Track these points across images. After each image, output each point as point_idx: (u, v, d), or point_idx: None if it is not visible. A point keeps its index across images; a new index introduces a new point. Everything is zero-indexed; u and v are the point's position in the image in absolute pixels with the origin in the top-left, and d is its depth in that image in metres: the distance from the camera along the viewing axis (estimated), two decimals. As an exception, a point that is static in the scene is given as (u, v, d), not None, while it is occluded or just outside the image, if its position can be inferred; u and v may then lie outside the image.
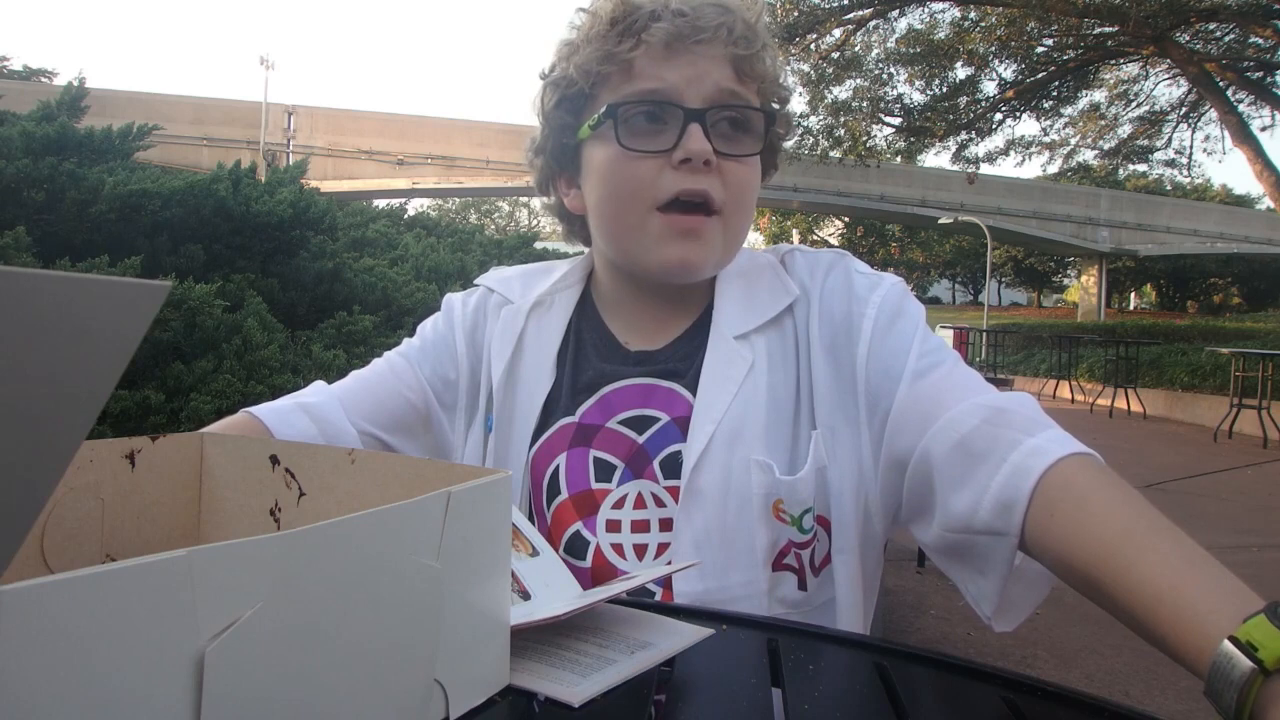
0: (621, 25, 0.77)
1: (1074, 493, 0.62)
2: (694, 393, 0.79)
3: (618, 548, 0.77)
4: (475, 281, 0.94)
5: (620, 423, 0.81)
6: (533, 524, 0.81)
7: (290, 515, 0.57)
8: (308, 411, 0.81)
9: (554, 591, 0.62)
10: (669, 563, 0.76)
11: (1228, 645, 0.46)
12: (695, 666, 0.53)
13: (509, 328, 0.87)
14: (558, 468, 0.81)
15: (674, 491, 0.77)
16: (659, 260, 0.78)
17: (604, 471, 0.80)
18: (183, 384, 2.31)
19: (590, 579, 0.77)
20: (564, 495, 0.80)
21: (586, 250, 0.92)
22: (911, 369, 0.74)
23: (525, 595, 0.60)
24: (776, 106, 0.84)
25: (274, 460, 0.57)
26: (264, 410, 0.80)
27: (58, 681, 0.26)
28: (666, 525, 0.77)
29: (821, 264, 0.84)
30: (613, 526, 0.78)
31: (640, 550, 0.77)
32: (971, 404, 0.70)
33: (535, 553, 0.65)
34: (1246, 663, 0.45)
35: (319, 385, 0.87)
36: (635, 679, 0.49)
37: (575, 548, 0.78)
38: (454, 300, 0.93)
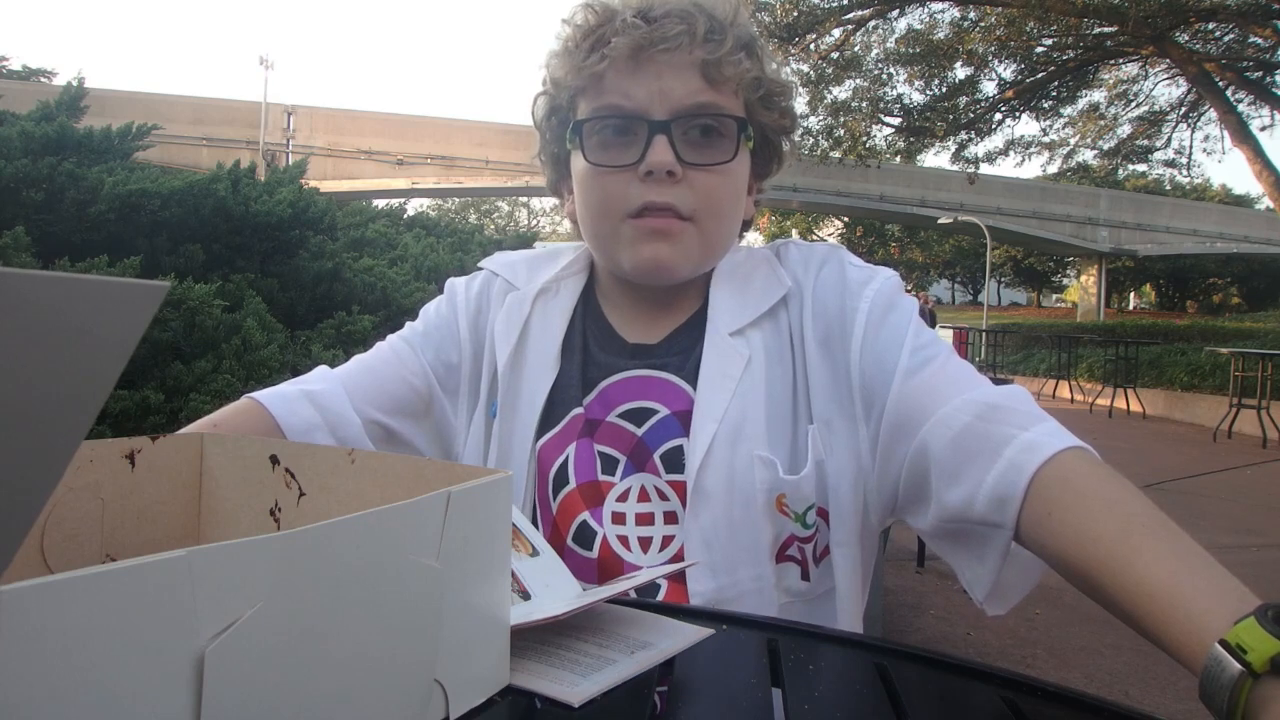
0: (592, 38, 0.78)
1: (1070, 489, 0.62)
2: (692, 385, 0.80)
3: (623, 539, 0.78)
4: (479, 265, 0.94)
5: (620, 416, 0.81)
6: (536, 514, 0.82)
7: (290, 515, 0.57)
8: (312, 399, 0.81)
9: (554, 591, 0.62)
10: (673, 560, 0.77)
11: (1218, 648, 0.46)
12: (695, 666, 0.53)
13: (514, 314, 0.87)
14: (567, 458, 0.81)
15: (676, 485, 0.78)
16: (631, 261, 0.80)
17: (608, 465, 0.80)
18: (182, 384, 2.30)
19: (597, 569, 0.77)
20: (572, 485, 0.80)
21: None
22: (905, 365, 0.74)
23: (525, 595, 0.60)
24: (765, 104, 0.82)
25: (274, 460, 0.57)
26: (269, 397, 0.80)
27: (58, 681, 0.26)
28: (671, 518, 0.78)
29: (815, 257, 0.84)
30: (618, 519, 0.78)
31: (645, 543, 0.78)
32: (964, 400, 0.70)
33: (535, 553, 0.65)
34: (1236, 666, 0.45)
35: (323, 370, 0.87)
36: (635, 679, 0.49)
37: (583, 537, 0.79)
38: (457, 284, 0.93)
